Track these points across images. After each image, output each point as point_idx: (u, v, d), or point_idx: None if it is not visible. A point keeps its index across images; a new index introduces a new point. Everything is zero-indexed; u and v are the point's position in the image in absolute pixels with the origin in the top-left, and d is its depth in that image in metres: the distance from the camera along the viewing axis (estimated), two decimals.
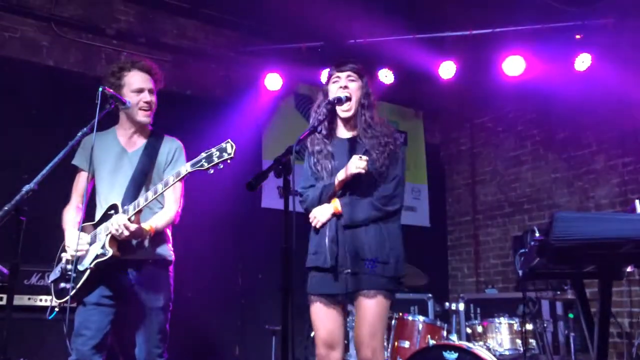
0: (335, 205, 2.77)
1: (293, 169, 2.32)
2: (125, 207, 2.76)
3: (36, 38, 5.02)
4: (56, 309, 2.83)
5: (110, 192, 2.89)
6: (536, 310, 4.43)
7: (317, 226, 2.80)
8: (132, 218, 2.71)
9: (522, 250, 2.64)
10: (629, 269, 3.22)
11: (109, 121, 2.99)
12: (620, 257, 1.96)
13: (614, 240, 1.81)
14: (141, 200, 2.73)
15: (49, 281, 2.95)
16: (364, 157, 2.69)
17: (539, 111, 6.22)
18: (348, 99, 2.80)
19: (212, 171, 2.63)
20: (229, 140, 2.64)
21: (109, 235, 2.71)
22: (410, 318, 4.26)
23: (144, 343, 2.85)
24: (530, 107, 6.32)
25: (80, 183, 2.99)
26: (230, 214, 5.50)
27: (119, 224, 2.66)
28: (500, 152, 6.65)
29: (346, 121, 2.90)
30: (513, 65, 5.54)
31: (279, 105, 6.13)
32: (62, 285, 2.83)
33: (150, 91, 2.96)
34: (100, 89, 2.73)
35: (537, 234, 2.24)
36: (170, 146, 3.04)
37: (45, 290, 3.93)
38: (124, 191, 2.87)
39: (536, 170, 6.21)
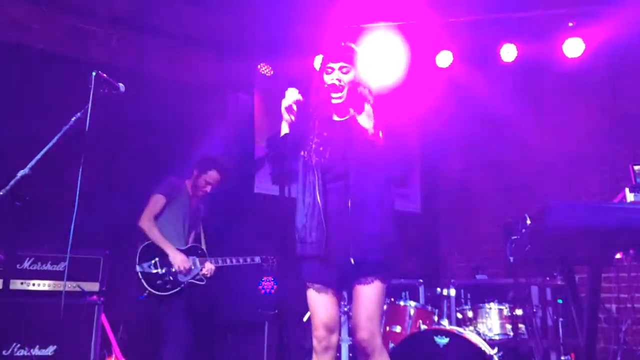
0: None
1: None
2: (215, 258, 4.42)
3: (26, 20, 4.95)
4: (145, 293, 4.07)
5: (180, 229, 4.37)
6: (526, 295, 4.49)
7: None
8: None
9: (514, 237, 2.66)
10: (617, 256, 3.26)
11: (103, 106, 2.97)
12: (611, 244, 2.00)
13: (606, 228, 1.84)
14: (220, 260, 4.45)
15: (139, 270, 4.10)
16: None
17: (532, 98, 6.25)
18: (339, 89, 2.81)
19: (265, 266, 4.63)
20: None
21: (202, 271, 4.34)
22: (401, 303, 4.32)
23: None
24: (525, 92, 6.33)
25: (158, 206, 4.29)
26: (223, 199, 5.50)
27: (211, 269, 4.37)
28: (494, 138, 6.66)
29: (337, 108, 2.91)
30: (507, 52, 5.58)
31: (271, 90, 6.12)
32: (160, 282, 4.12)
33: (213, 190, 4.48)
34: (94, 73, 2.72)
35: (528, 221, 2.26)
36: (203, 207, 4.61)
37: (37, 275, 3.93)
38: (202, 238, 4.51)
39: (528, 157, 6.24)
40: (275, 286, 5.43)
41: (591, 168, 5.64)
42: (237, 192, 5.49)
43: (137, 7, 5.44)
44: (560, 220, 1.90)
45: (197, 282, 4.32)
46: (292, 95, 2.81)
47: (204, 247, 4.50)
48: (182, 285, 4.22)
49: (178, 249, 4.27)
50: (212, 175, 4.43)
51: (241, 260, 4.51)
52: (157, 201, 4.30)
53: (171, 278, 4.18)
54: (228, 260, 4.47)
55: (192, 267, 4.29)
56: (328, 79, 2.86)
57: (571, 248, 2.11)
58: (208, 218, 4.68)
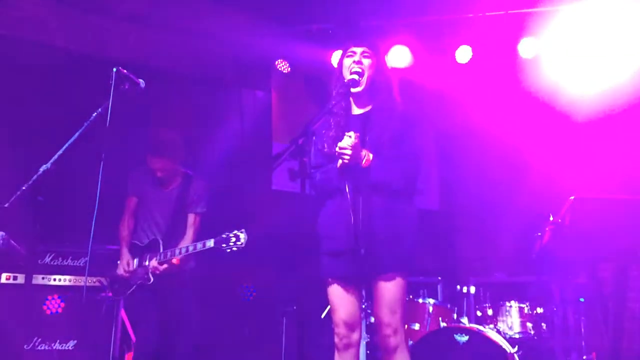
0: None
1: (310, 150, 2.31)
2: (163, 251, 3.89)
3: (46, 18, 4.99)
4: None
5: (151, 223, 4.07)
6: (547, 293, 4.43)
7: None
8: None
9: (537, 234, 2.64)
10: None
11: (123, 102, 2.99)
12: (636, 241, 1.96)
13: (632, 224, 1.81)
14: (169, 253, 3.86)
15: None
16: (351, 136, 2.63)
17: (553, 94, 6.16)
18: (360, 75, 2.81)
19: (228, 250, 3.71)
20: (244, 230, 3.71)
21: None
22: (420, 300, 4.29)
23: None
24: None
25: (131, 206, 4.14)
26: (241, 196, 5.51)
27: (155, 267, 3.85)
28: (514, 133, 6.57)
29: (358, 97, 2.89)
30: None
31: (289, 87, 6.11)
32: (117, 286, 3.96)
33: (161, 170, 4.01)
34: (115, 69, 2.73)
35: (551, 218, 2.23)
36: (197, 186, 4.16)
37: (58, 270, 3.97)
38: (165, 228, 4.04)
39: (549, 153, 6.14)
40: (254, 293, 5.16)
41: (614, 164, 5.54)
42: (254, 190, 5.49)
43: (154, 4, 5.47)
44: (585, 216, 1.87)
45: (144, 282, 3.91)
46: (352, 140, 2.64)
47: (160, 238, 4.00)
48: (131, 289, 3.95)
49: (135, 244, 4.05)
50: (149, 160, 4.04)
51: (190, 249, 3.84)
52: (129, 202, 4.17)
53: (120, 283, 3.99)
54: (177, 252, 3.86)
55: (139, 267, 3.98)
56: (348, 62, 2.85)
57: (596, 245, 2.07)
58: (221, 216, 4.60)
